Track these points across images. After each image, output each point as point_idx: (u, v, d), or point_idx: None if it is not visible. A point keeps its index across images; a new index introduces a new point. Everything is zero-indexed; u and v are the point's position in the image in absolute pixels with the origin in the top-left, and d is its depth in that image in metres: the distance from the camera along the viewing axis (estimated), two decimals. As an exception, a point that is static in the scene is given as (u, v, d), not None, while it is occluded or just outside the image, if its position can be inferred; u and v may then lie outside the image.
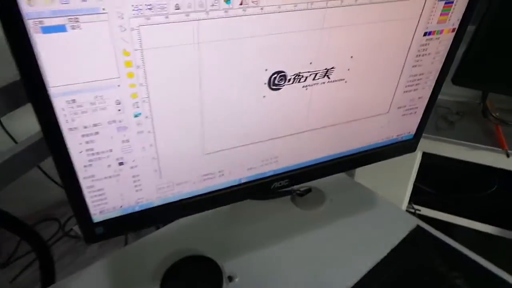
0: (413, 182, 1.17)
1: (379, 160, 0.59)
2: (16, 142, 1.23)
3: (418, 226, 0.70)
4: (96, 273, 0.61)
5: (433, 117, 1.09)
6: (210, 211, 0.69)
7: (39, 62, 0.30)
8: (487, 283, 0.60)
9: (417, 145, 0.60)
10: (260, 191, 0.51)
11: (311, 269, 0.61)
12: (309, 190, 0.80)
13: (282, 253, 0.64)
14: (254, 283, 0.59)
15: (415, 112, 0.56)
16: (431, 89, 0.54)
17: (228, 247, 0.64)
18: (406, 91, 0.52)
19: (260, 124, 0.45)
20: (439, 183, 1.26)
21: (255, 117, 0.44)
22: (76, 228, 1.42)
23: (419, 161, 1.12)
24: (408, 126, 0.58)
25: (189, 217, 0.69)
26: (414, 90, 0.53)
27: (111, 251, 0.73)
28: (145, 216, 0.45)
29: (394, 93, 0.51)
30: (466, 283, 0.59)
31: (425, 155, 1.10)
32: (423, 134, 0.65)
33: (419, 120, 0.57)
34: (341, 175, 0.84)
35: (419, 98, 0.54)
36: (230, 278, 0.60)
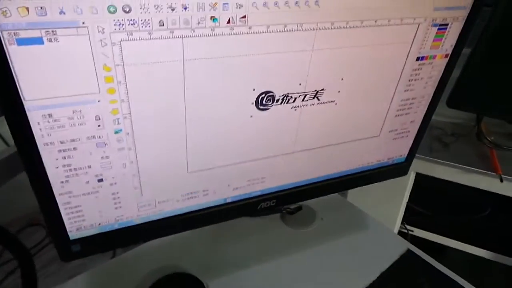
0: (406, 202, 1.16)
1: (370, 183, 0.58)
2: (8, 145, 1.21)
3: (408, 250, 0.69)
4: (79, 286, 0.59)
5: (427, 138, 1.08)
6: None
7: (14, 74, 0.29)
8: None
9: (408, 169, 0.59)
10: (247, 211, 0.50)
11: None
12: (299, 208, 0.79)
13: (270, 273, 0.62)
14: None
15: (407, 136, 0.55)
16: (424, 113, 0.53)
17: (214, 265, 0.63)
18: (398, 115, 0.51)
19: (247, 143, 0.43)
20: (433, 204, 1.25)
21: (241, 136, 0.42)
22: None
23: (413, 181, 1.11)
24: (399, 149, 0.57)
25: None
26: (406, 114, 0.52)
27: (97, 260, 0.71)
28: (125, 234, 0.43)
29: (386, 117, 0.50)
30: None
31: (418, 175, 1.09)
32: (417, 155, 0.64)
33: (411, 144, 0.56)
34: (333, 195, 0.82)
35: (411, 122, 0.53)
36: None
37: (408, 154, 0.58)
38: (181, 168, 0.42)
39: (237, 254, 0.66)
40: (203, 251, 0.66)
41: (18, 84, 0.29)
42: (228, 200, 0.48)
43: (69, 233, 0.40)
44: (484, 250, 1.18)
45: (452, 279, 0.63)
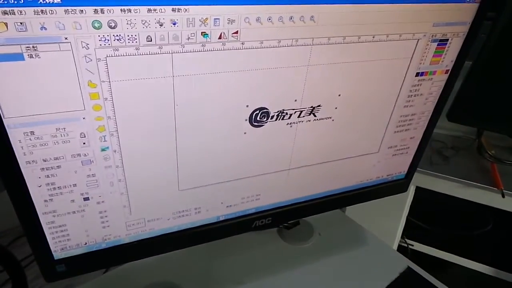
0: (406, 216, 1.14)
1: (369, 200, 0.56)
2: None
3: (408, 268, 0.67)
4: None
5: (427, 151, 1.07)
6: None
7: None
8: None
9: (408, 185, 0.58)
10: (241, 229, 0.48)
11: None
12: (297, 223, 0.77)
13: (265, 291, 0.61)
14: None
15: (407, 152, 0.54)
16: (424, 130, 0.52)
17: (209, 281, 0.61)
18: (397, 131, 0.50)
19: (240, 161, 0.42)
20: (433, 218, 1.24)
21: (234, 153, 0.41)
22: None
23: (413, 195, 1.09)
24: (399, 166, 0.55)
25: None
26: (406, 130, 0.50)
27: (90, 274, 0.69)
28: (113, 254, 0.42)
29: (385, 133, 0.49)
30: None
31: (418, 189, 1.07)
32: (417, 169, 0.63)
33: (410, 160, 0.55)
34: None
35: (411, 138, 0.52)
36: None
37: (408, 171, 0.56)
38: (172, 186, 0.40)
39: (232, 270, 0.64)
40: (198, 267, 0.64)
41: (-3, 101, 0.28)
42: (221, 218, 0.46)
43: (53, 253, 0.39)
44: (485, 266, 1.15)
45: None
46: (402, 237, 1.20)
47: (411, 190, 1.07)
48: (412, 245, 1.24)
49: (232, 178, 0.43)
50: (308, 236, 0.74)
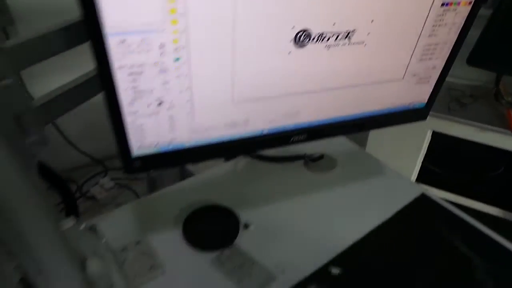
0: (421, 161, 1.20)
1: (391, 125, 0.63)
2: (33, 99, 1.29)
3: (423, 194, 0.75)
4: (123, 215, 0.67)
5: (446, 99, 1.12)
6: (229, 169, 0.75)
7: (98, 5, 0.35)
8: (486, 247, 0.64)
9: (428, 114, 0.64)
10: (280, 143, 0.56)
11: (318, 224, 0.66)
12: (321, 157, 0.85)
13: (294, 208, 0.70)
14: (267, 230, 0.64)
15: (428, 82, 0.60)
16: (445, 60, 0.57)
17: (245, 200, 0.70)
18: (422, 60, 0.55)
19: (285, 78, 0.49)
20: (447, 163, 1.29)
21: (280, 71, 0.48)
22: (94, 190, 1.49)
23: (429, 140, 1.15)
24: (421, 94, 0.61)
25: (208, 173, 0.75)
26: (429, 59, 0.56)
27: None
28: (176, 156, 0.50)
29: (410, 61, 0.55)
30: (465, 245, 0.63)
31: (435, 134, 1.13)
32: (434, 113, 0.68)
33: (431, 90, 0.61)
34: (353, 146, 0.88)
35: (433, 68, 0.58)
36: (246, 226, 0.66)
37: (428, 100, 0.62)
38: (228, 97, 0.48)
39: (266, 192, 0.73)
40: (236, 189, 0.73)
41: (101, 13, 0.35)
42: (265, 132, 0.54)
43: (132, 151, 0.47)
44: (497, 208, 1.22)
45: (463, 218, 0.69)
46: (416, 181, 1.27)
47: (428, 135, 1.13)
48: (426, 190, 1.31)
49: (277, 94, 0.50)
50: (331, 168, 0.82)
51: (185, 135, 0.49)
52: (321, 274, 0.58)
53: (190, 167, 1.07)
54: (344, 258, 0.60)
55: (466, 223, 0.68)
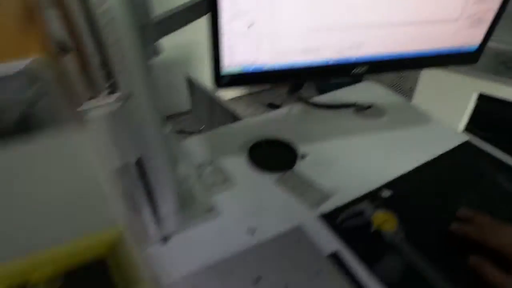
0: (465, 124, 1.24)
1: (443, 65, 0.69)
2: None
3: (468, 141, 0.80)
4: (194, 141, 0.77)
5: (493, 62, 1.14)
6: (284, 114, 0.84)
7: None
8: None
9: (479, 57, 0.69)
10: (342, 74, 0.64)
11: (370, 158, 0.75)
12: (370, 106, 0.92)
13: (345, 146, 0.78)
14: (320, 161, 0.73)
15: (482, 24, 0.65)
16: (500, 3, 0.62)
17: (301, 137, 0.79)
18: (476, 2, 0.61)
19: (350, 9, 0.56)
20: (492, 128, 1.31)
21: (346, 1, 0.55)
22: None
23: (474, 103, 1.18)
24: (474, 37, 0.67)
25: (265, 115, 0.84)
26: (484, 1, 0.61)
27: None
28: (256, 76, 0.59)
29: (466, 1, 0.60)
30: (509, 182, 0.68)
31: (481, 98, 1.16)
32: (481, 75, 0.72)
33: (484, 32, 0.66)
34: (400, 100, 0.94)
35: (488, 10, 0.63)
36: (303, 156, 0.74)
37: (480, 43, 0.68)
38: (304, 24, 0.56)
39: (320, 132, 0.82)
40: (293, 128, 0.82)
41: None
42: (330, 62, 0.62)
43: (223, 68, 0.56)
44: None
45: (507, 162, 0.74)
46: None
47: (473, 97, 1.16)
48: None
49: (344, 25, 0.58)
50: (379, 116, 0.89)
51: (266, 56, 0.57)
52: (372, 195, 0.66)
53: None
54: (394, 183, 0.68)
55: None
